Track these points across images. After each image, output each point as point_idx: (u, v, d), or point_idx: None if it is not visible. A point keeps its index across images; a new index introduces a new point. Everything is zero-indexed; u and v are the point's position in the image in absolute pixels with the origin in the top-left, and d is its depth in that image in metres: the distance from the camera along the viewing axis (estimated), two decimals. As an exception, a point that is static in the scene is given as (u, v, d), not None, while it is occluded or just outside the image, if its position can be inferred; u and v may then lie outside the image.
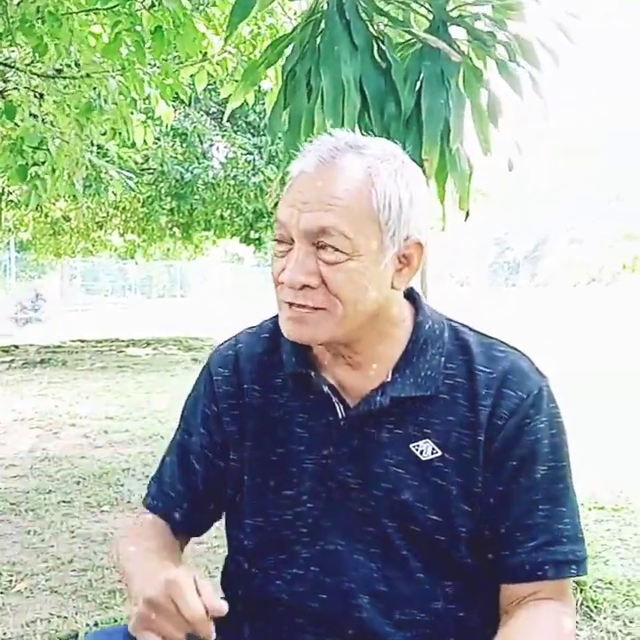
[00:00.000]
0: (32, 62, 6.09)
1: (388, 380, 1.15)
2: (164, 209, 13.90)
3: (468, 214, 2.78)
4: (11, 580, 3.00)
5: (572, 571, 1.13)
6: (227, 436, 1.24)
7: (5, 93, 6.11)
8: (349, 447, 1.16)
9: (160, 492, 1.31)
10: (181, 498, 1.28)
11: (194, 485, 1.27)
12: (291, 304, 1.11)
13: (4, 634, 2.52)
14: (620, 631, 2.53)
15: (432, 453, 1.14)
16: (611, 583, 2.89)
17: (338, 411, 1.17)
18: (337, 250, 1.07)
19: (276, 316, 1.27)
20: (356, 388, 1.18)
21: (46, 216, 15.81)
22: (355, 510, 1.16)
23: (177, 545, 1.29)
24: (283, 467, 1.20)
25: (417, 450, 1.14)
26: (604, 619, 2.61)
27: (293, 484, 1.19)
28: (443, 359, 1.16)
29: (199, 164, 13.02)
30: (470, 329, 1.22)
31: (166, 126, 11.23)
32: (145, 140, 6.43)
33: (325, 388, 1.18)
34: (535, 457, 1.13)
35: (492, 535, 1.14)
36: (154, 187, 13.45)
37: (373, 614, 1.13)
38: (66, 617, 2.66)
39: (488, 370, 1.15)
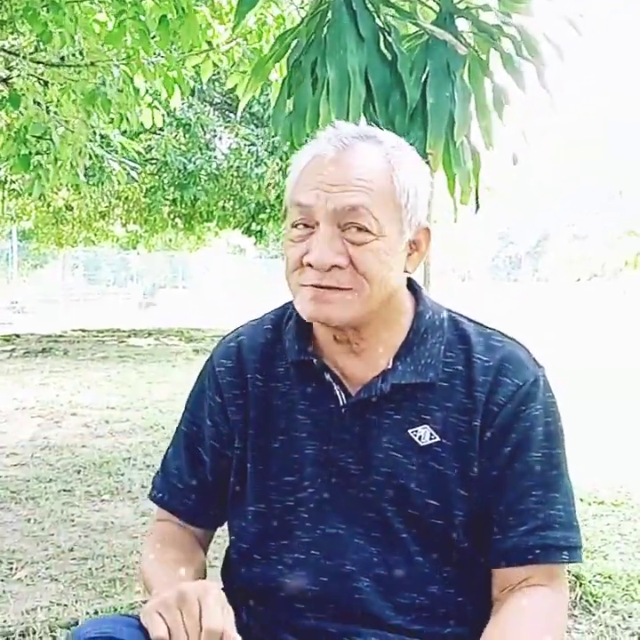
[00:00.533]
0: (37, 50, 6.07)
1: (390, 367, 1.18)
2: (166, 199, 13.89)
3: (478, 207, 2.77)
4: (11, 568, 3.01)
5: (564, 557, 1.14)
6: (232, 425, 1.26)
7: (10, 81, 6.10)
8: (351, 434, 1.19)
9: (167, 484, 1.32)
10: (190, 489, 1.30)
11: (202, 477, 1.29)
12: (315, 286, 1.11)
13: (5, 621, 2.53)
14: (619, 625, 2.54)
15: (430, 439, 1.16)
16: (610, 578, 2.90)
17: (339, 398, 1.20)
18: (365, 230, 1.10)
19: (278, 308, 1.31)
20: (358, 375, 1.20)
21: (48, 205, 15.79)
22: (355, 495, 1.18)
23: (197, 548, 1.31)
24: (284, 453, 1.22)
25: (415, 435, 1.17)
26: (603, 613, 2.62)
27: (295, 470, 1.21)
28: (443, 348, 1.20)
29: (202, 154, 13.01)
30: (469, 319, 1.26)
31: (170, 115, 11.22)
32: (154, 124, 6.42)
33: (327, 376, 1.20)
34: (529, 443, 1.15)
35: (486, 519, 1.16)
36: (156, 177, 13.44)
37: (374, 597, 1.15)
38: (66, 605, 2.67)
39: (485, 358, 1.18)
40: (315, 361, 1.21)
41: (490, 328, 1.25)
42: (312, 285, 1.12)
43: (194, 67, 5.60)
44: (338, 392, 1.20)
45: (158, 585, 1.15)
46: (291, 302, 1.28)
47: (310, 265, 1.11)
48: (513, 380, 1.16)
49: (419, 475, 1.16)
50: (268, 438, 1.23)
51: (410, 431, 1.17)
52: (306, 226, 1.13)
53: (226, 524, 1.33)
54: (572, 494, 1.18)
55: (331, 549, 1.17)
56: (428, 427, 1.17)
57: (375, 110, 2.57)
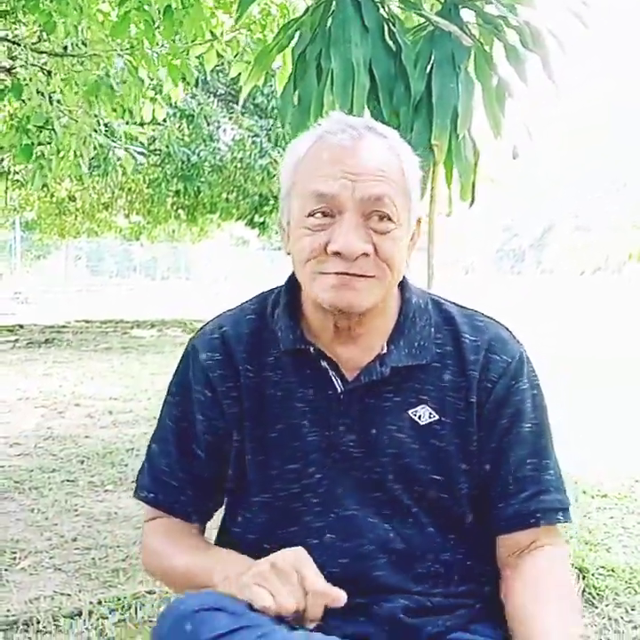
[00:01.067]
0: (40, 40, 6.06)
1: (385, 351, 1.22)
2: (169, 191, 13.87)
3: (473, 201, 2.78)
4: (14, 558, 3.02)
5: (560, 517, 1.23)
6: (228, 418, 1.26)
7: (13, 71, 6.09)
8: (351, 418, 1.22)
9: (158, 483, 1.30)
10: (184, 486, 1.29)
11: (197, 472, 1.28)
12: (341, 274, 1.14)
13: (8, 611, 2.54)
14: (622, 618, 2.54)
15: (429, 418, 1.22)
16: (613, 571, 2.90)
17: (336, 384, 1.22)
18: (387, 218, 1.14)
19: (256, 297, 1.33)
20: (353, 360, 1.23)
21: (52, 196, 15.79)
22: (361, 477, 1.21)
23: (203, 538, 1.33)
24: (284, 442, 1.23)
25: (415, 415, 1.22)
26: (606, 606, 2.62)
27: (298, 457, 1.22)
28: (432, 330, 1.25)
29: (205, 146, 12.98)
30: (450, 302, 1.32)
31: (173, 106, 11.21)
32: (154, 117, 6.41)
33: (323, 363, 1.23)
34: (521, 415, 1.23)
35: (487, 489, 1.23)
36: (160, 168, 13.42)
37: (393, 572, 1.19)
38: (69, 595, 2.68)
39: (473, 338, 1.24)
40: (312, 349, 1.22)
41: (470, 309, 1.31)
42: (337, 273, 1.14)
43: (197, 57, 5.59)
44: (334, 378, 1.22)
45: (216, 565, 1.16)
46: (270, 291, 1.32)
47: (336, 253, 1.13)
48: (502, 356, 1.24)
49: (421, 453, 1.21)
50: (264, 428, 1.24)
51: (409, 412, 1.22)
52: (324, 214, 1.14)
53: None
54: (557, 460, 1.26)
55: (347, 531, 1.20)
56: (426, 406, 1.22)
57: (379, 102, 2.56)
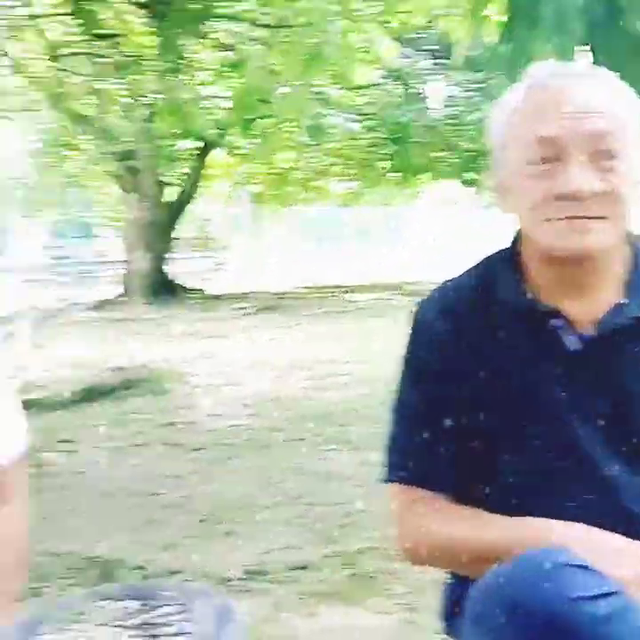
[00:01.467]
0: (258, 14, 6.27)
1: (623, 301, 1.17)
2: (382, 154, 13.92)
3: None
4: (246, 512, 3.22)
5: None
6: (471, 385, 1.22)
7: (235, 48, 6.35)
8: (592, 374, 1.17)
9: (414, 461, 1.25)
10: (440, 459, 1.24)
11: (448, 444, 1.24)
12: (569, 218, 1.11)
13: (244, 562, 2.71)
14: None
15: None
16: None
17: (572, 340, 1.17)
18: (613, 157, 1.11)
19: (476, 265, 1.29)
20: (583, 314, 1.18)
21: (274, 167, 16.40)
22: (611, 433, 1.17)
23: None
24: (527, 406, 1.19)
25: None
26: None
27: (543, 420, 1.19)
28: None
29: (417, 105, 12.85)
30: None
31: (385, 68, 11.19)
32: (366, 82, 6.45)
33: (556, 320, 1.18)
34: None
35: None
36: (373, 131, 13.48)
37: None
38: (298, 548, 2.82)
39: None
40: (542, 306, 1.19)
41: None
42: (567, 217, 1.11)
43: (406, 12, 5.54)
44: (568, 334, 1.18)
45: (525, 532, 1.13)
46: (493, 254, 1.27)
47: (564, 196, 1.10)
48: None
49: None
50: (506, 394, 1.20)
51: None
52: (547, 160, 1.12)
53: None
54: None
55: (609, 489, 1.16)
56: None
57: (594, 47, 2.41)
